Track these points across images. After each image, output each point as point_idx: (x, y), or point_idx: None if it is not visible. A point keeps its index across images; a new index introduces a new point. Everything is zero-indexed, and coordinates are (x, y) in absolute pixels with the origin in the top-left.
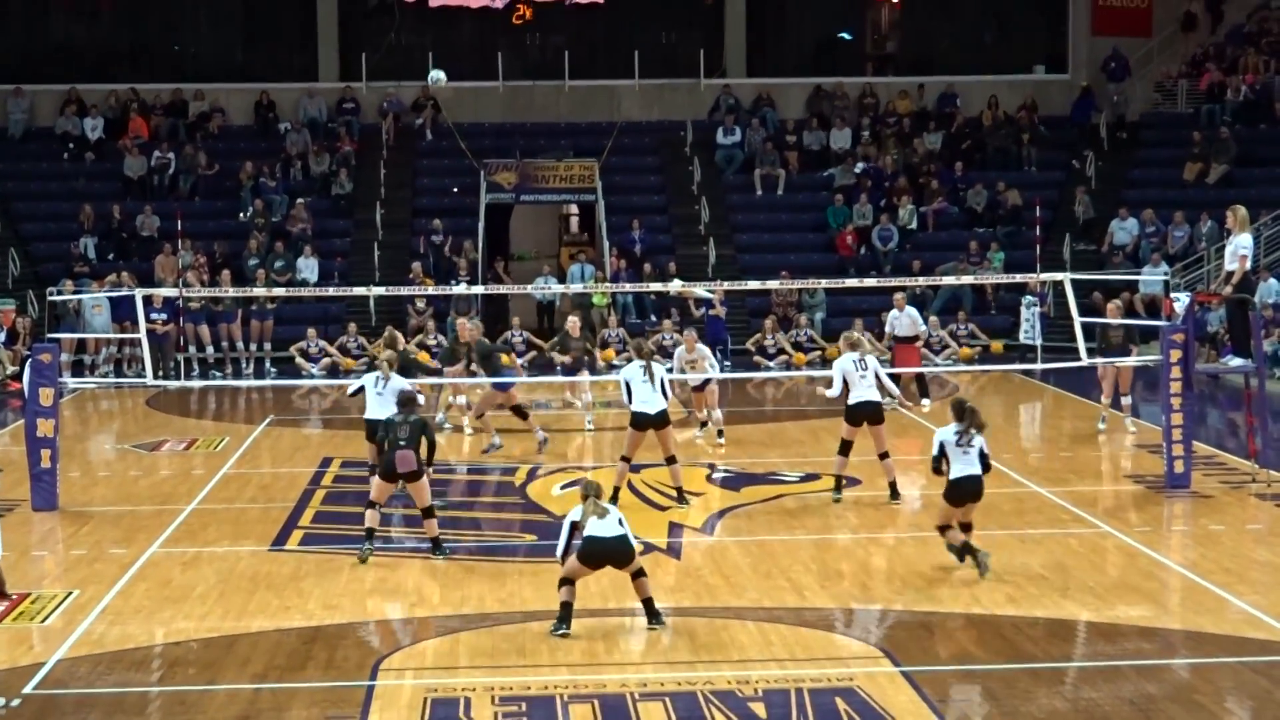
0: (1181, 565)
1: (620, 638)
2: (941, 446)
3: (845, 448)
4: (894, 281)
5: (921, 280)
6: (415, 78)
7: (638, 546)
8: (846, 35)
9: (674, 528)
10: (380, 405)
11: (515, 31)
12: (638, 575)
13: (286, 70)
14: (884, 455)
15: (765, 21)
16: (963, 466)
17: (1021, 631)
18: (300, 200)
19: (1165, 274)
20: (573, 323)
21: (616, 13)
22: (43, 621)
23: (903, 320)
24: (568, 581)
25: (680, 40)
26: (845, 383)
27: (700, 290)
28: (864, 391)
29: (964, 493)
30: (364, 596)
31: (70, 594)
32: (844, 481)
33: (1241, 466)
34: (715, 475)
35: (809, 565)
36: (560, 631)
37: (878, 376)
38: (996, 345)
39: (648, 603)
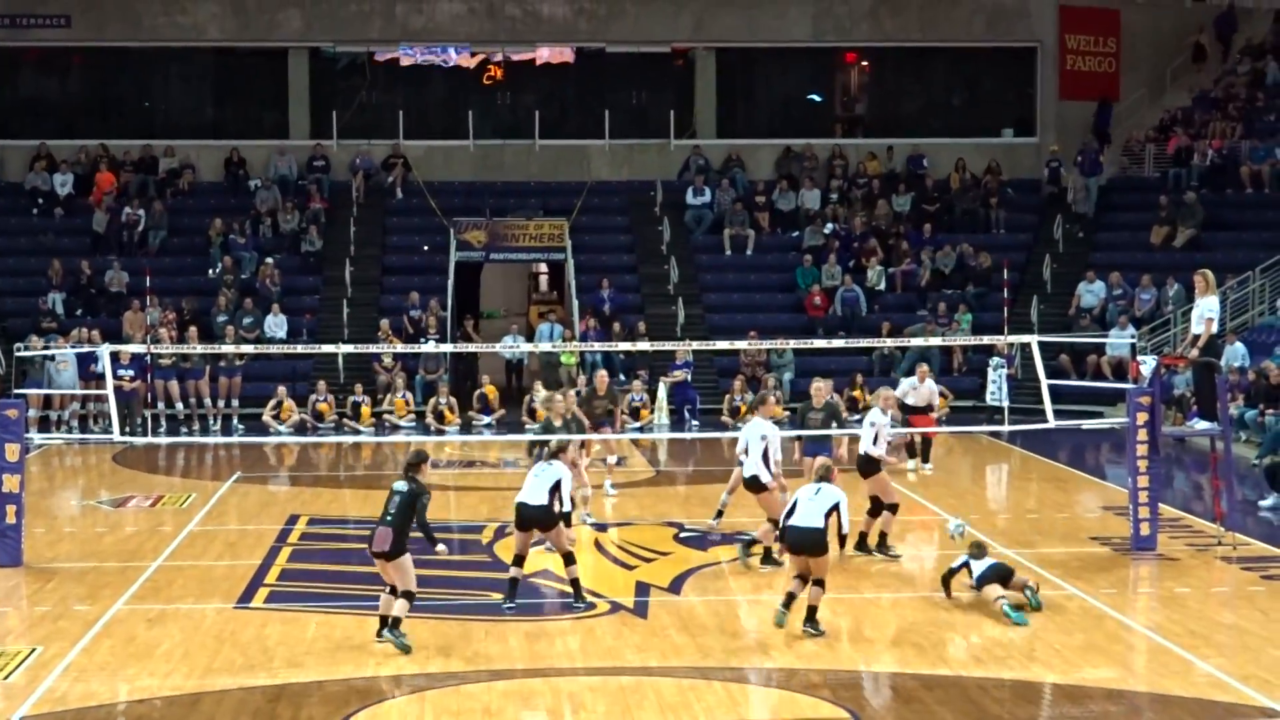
0: (1147, 628)
1: (586, 698)
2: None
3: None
4: (863, 342)
5: (890, 342)
6: (386, 136)
7: (600, 604)
8: (816, 97)
9: (641, 587)
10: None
11: (486, 91)
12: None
13: (257, 127)
14: (893, 508)
15: (735, 83)
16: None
17: (988, 693)
18: (270, 258)
19: (1132, 337)
20: (601, 377)
21: (587, 73)
22: (5, 678)
23: (922, 392)
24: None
25: (650, 100)
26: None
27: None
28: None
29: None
30: (329, 655)
31: (34, 650)
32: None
33: (1208, 529)
34: (683, 535)
35: (775, 626)
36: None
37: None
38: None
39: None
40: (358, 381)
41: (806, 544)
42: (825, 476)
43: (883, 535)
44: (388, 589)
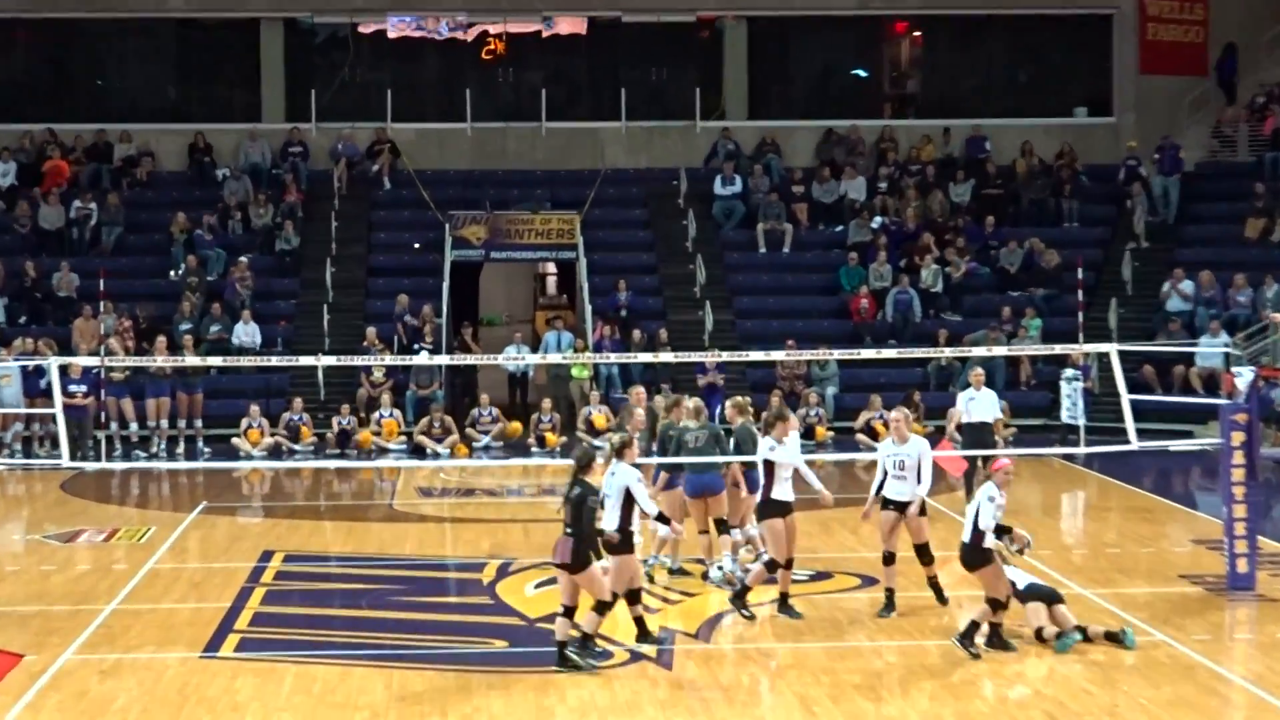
0: (1246, 679)
1: None
2: None
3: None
4: (917, 352)
5: (949, 352)
6: (372, 118)
7: (619, 652)
8: (861, 72)
9: (664, 633)
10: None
11: (485, 67)
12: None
13: (225, 109)
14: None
15: (770, 57)
16: None
17: None
18: (240, 258)
19: (1225, 345)
20: (638, 394)
21: (600, 47)
22: None
23: (981, 402)
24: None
25: (673, 78)
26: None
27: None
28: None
29: None
30: (309, 711)
31: None
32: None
33: None
34: (712, 574)
35: (819, 677)
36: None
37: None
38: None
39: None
40: (341, 400)
41: (966, 561)
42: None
43: (974, 626)
44: (560, 610)
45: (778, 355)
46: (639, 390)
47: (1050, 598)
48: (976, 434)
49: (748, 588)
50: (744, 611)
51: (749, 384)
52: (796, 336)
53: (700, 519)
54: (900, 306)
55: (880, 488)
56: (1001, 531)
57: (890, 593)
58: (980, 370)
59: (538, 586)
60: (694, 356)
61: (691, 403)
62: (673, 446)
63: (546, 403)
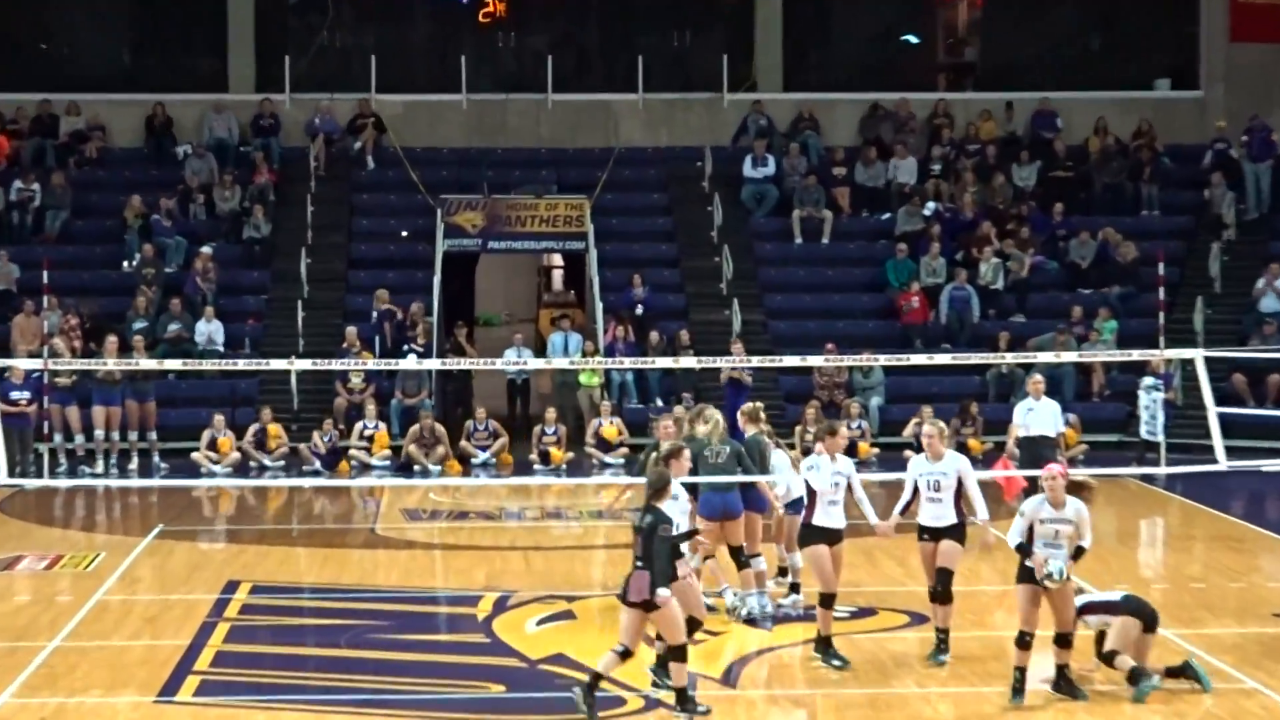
0: None
1: None
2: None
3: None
4: (974, 358)
5: (1010, 357)
6: (353, 89)
7: (632, 699)
8: (912, 38)
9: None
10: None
11: (484, 32)
12: None
13: (187, 77)
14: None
15: (808, 20)
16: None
17: None
18: (203, 247)
19: None
20: (665, 429)
21: (614, 9)
22: None
23: (1041, 414)
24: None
25: (697, 44)
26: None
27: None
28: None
29: None
30: None
31: None
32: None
33: None
34: (727, 599)
35: None
36: None
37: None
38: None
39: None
40: (316, 409)
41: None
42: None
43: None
44: (617, 648)
45: (815, 361)
46: (667, 424)
47: (1151, 620)
48: (1036, 450)
49: (827, 637)
50: (835, 662)
51: (782, 393)
52: (836, 339)
53: (713, 544)
54: (956, 305)
55: (906, 507)
56: (1023, 551)
57: (943, 634)
58: (1039, 378)
59: (540, 623)
60: (719, 362)
61: (716, 417)
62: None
63: (551, 413)
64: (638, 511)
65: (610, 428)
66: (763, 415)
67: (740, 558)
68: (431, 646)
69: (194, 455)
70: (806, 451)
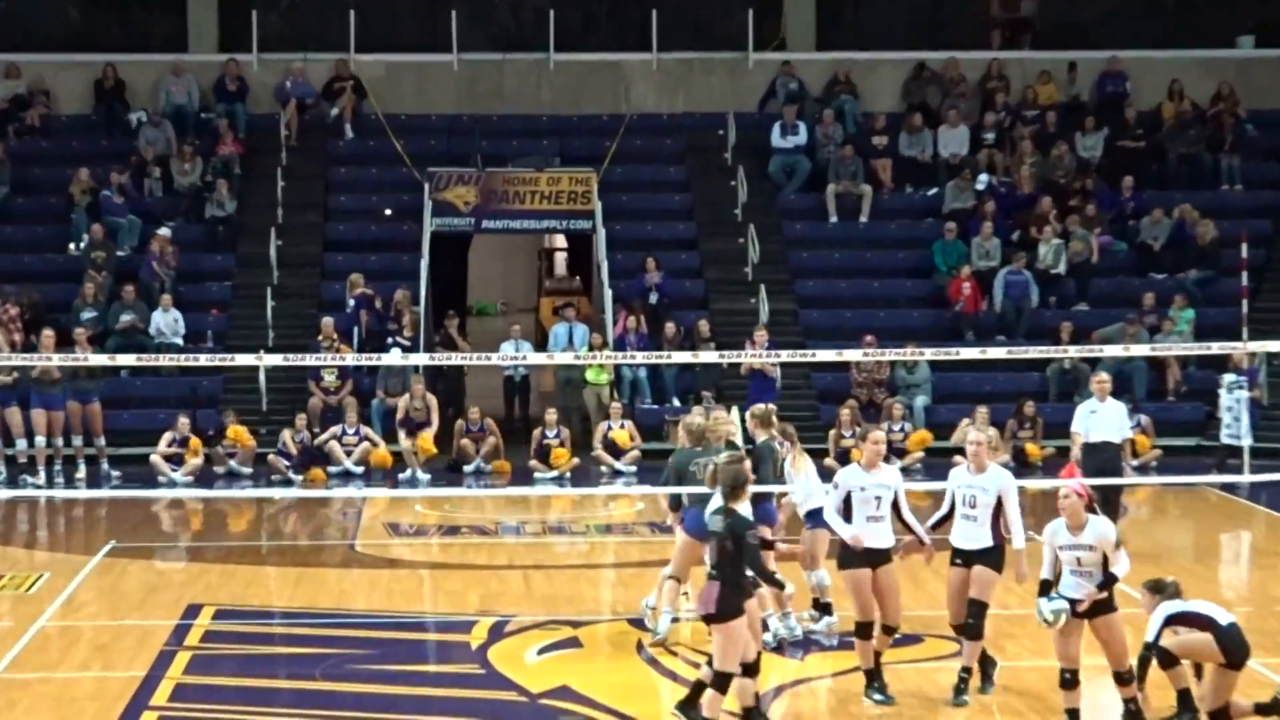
0: None
1: None
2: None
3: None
4: (1033, 352)
5: (1074, 351)
6: (329, 48)
7: None
8: None
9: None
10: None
11: None
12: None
13: (141, 36)
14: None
15: None
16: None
17: None
18: (160, 227)
19: None
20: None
21: None
22: None
23: (1106, 416)
24: None
25: None
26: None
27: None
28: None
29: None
30: None
31: None
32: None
33: None
34: (768, 637)
35: None
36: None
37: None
38: (1144, 442)
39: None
40: (287, 410)
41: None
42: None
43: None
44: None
45: (852, 355)
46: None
47: (1239, 658)
48: (1100, 458)
49: (870, 670)
50: (876, 696)
51: (815, 392)
52: (876, 331)
53: (694, 563)
54: (1011, 293)
55: (940, 522)
56: (1045, 587)
57: (987, 664)
58: (1105, 375)
59: (542, 652)
60: (743, 357)
61: (695, 420)
62: (671, 474)
63: (551, 415)
64: (715, 516)
65: (621, 431)
66: (775, 419)
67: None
68: (418, 679)
69: (153, 458)
70: (844, 460)
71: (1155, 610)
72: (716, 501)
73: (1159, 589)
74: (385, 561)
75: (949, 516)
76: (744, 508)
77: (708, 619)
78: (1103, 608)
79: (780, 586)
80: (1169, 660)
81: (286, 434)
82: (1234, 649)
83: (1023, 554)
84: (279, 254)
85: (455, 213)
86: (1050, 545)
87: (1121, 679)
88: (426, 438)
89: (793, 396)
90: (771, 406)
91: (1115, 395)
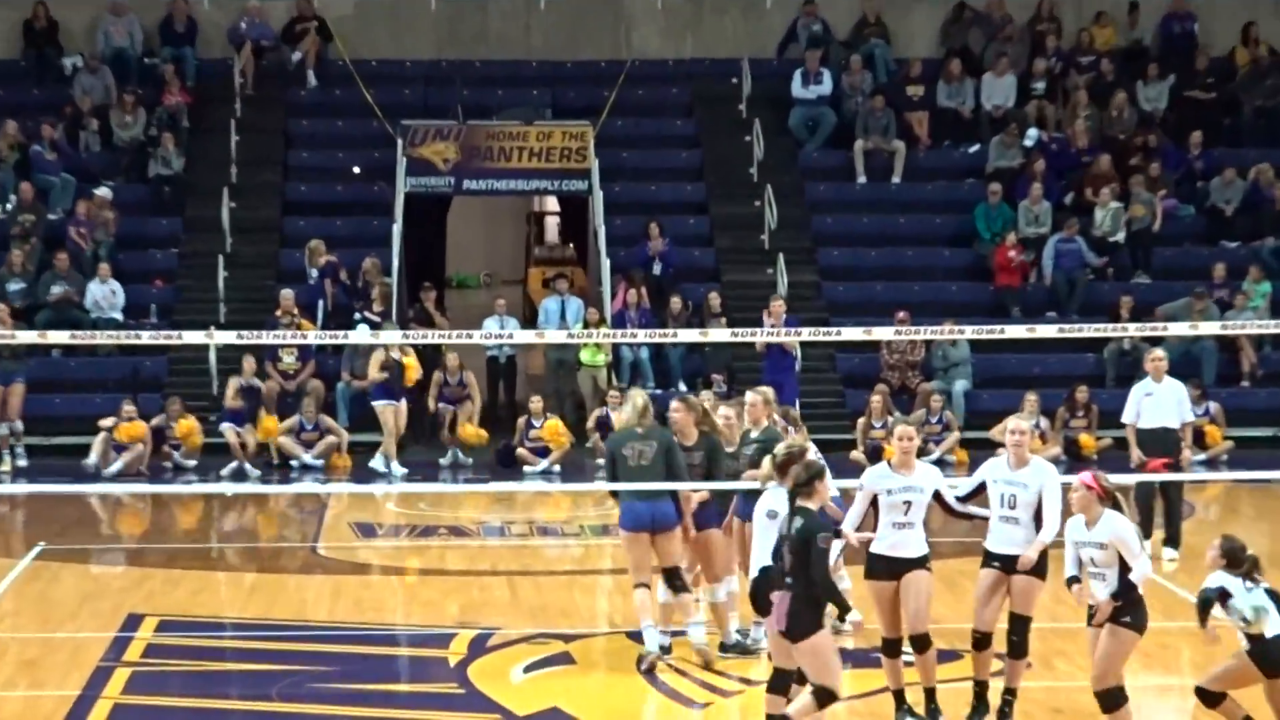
0: None
1: None
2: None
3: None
4: (1088, 330)
5: (1134, 329)
6: None
7: None
8: None
9: None
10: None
11: None
12: None
13: None
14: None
15: None
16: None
17: None
18: (98, 188)
19: None
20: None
21: None
22: None
23: (1161, 400)
24: None
25: None
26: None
27: None
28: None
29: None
30: None
31: None
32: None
33: None
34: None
35: None
36: None
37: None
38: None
39: None
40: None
41: None
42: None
43: None
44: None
45: (883, 334)
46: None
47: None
48: (1156, 447)
49: (898, 691)
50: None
51: (840, 375)
52: (910, 307)
53: (645, 561)
54: (1064, 263)
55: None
56: (1070, 584)
57: (1009, 695)
58: (1160, 353)
59: (529, 669)
60: (758, 335)
61: (639, 398)
62: (606, 462)
63: (536, 403)
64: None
65: (622, 419)
66: (774, 400)
67: (674, 581)
68: (389, 700)
69: (103, 432)
70: (875, 454)
71: (1218, 577)
72: (775, 498)
73: (1234, 559)
74: (351, 566)
75: (972, 496)
76: (818, 502)
77: (785, 636)
78: (1116, 618)
79: (844, 610)
80: (1212, 699)
81: (233, 386)
82: (1267, 662)
83: (1046, 536)
84: (232, 218)
85: (433, 172)
86: (1070, 541)
87: (1014, 631)
88: (470, 427)
89: (815, 381)
90: (769, 391)
91: (1181, 380)
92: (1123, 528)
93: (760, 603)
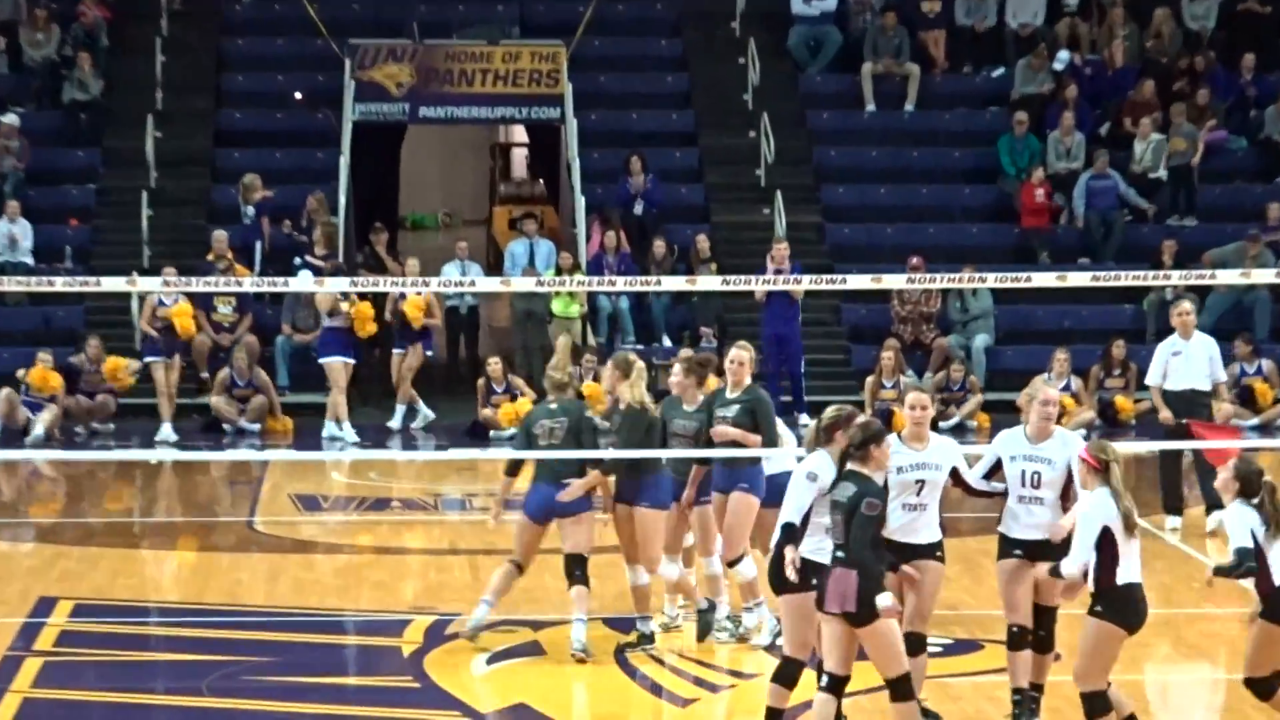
0: None
1: None
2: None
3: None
4: (1125, 278)
5: (1177, 276)
6: None
7: None
8: None
9: None
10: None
11: None
12: None
13: None
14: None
15: None
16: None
17: None
18: (5, 115)
19: None
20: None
21: None
22: None
23: (1192, 357)
24: None
25: None
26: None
27: None
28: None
29: None
30: None
31: None
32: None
33: None
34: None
35: None
36: None
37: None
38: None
39: None
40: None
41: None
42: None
43: None
44: (822, 681)
45: (894, 282)
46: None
47: None
48: (1183, 410)
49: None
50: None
51: (846, 329)
52: (925, 251)
53: (530, 548)
54: (1098, 202)
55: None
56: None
57: (1036, 691)
58: (1188, 306)
59: (493, 660)
60: (756, 283)
61: (563, 346)
62: (520, 435)
63: (495, 365)
64: (842, 482)
65: (595, 382)
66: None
67: (575, 571)
68: (334, 694)
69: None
70: (885, 419)
71: (1240, 515)
72: (820, 460)
73: (1249, 485)
74: (292, 544)
75: (989, 475)
76: (875, 469)
77: (849, 617)
78: (1091, 607)
79: (878, 590)
80: (1264, 688)
81: (150, 305)
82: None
83: (1069, 520)
84: (157, 149)
85: (385, 97)
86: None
87: (1040, 624)
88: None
89: (817, 335)
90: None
91: (1231, 332)
92: (1084, 509)
93: (777, 578)
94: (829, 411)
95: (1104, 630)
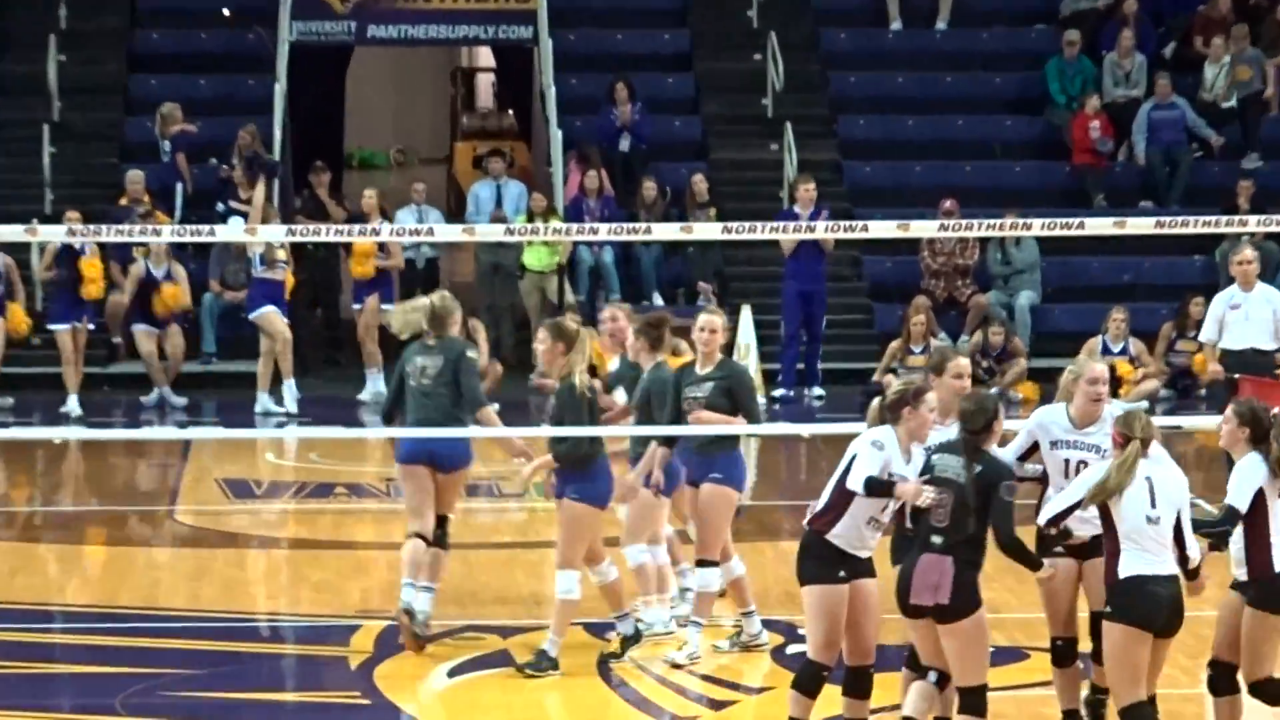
0: None
1: None
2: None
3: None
4: (1194, 224)
5: (1255, 222)
6: None
7: None
8: None
9: None
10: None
11: None
12: None
13: None
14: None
15: None
16: None
17: None
18: None
19: None
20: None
21: None
22: None
23: (1252, 313)
24: None
25: None
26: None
27: None
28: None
29: None
30: None
31: None
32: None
33: None
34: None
35: None
36: None
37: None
38: None
39: None
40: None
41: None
42: None
43: None
44: (930, 676)
45: (923, 229)
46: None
47: None
48: (1242, 370)
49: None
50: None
51: (867, 285)
52: (960, 193)
53: (422, 502)
54: (1163, 136)
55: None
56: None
57: (1102, 694)
58: (1250, 254)
59: (455, 673)
60: (758, 232)
61: (435, 298)
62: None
63: (475, 328)
64: (939, 454)
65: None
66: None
67: (438, 533)
68: (271, 712)
69: None
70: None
71: (1251, 463)
72: (881, 431)
73: (1259, 430)
74: (220, 536)
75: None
76: (995, 445)
77: (937, 615)
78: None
79: (1036, 566)
80: (1271, 692)
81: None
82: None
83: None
84: (61, 75)
85: (326, 14)
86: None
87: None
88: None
89: (833, 292)
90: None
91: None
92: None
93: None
94: (896, 385)
95: (1116, 630)
